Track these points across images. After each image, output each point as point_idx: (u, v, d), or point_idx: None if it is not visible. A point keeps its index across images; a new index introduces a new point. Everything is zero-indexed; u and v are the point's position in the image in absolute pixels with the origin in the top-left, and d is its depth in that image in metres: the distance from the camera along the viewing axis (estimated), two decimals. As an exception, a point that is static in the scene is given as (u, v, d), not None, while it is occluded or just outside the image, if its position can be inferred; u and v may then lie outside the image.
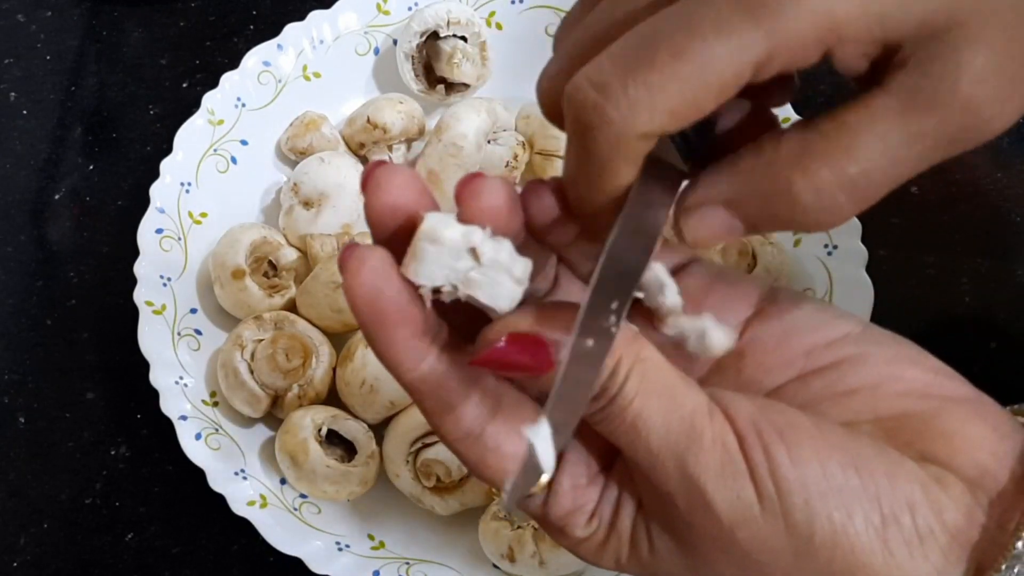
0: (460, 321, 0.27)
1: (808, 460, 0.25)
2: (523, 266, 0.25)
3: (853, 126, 0.24)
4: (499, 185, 0.26)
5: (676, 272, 0.29)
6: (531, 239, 0.27)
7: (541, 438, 0.24)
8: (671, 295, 0.27)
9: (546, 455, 0.24)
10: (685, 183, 0.26)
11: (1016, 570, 0.25)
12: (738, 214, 0.25)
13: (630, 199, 0.25)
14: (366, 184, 0.26)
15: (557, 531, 0.29)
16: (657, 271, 0.27)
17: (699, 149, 0.27)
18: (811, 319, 0.29)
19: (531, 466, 0.24)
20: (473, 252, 0.25)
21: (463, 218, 0.25)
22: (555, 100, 0.26)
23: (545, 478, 0.24)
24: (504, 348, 0.25)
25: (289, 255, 0.56)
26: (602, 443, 0.28)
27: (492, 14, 0.62)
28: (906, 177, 0.24)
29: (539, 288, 0.29)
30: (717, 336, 0.27)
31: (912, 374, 0.28)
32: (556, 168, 0.58)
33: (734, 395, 0.27)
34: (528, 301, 0.26)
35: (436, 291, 0.25)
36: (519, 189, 0.27)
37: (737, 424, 0.26)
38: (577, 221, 0.27)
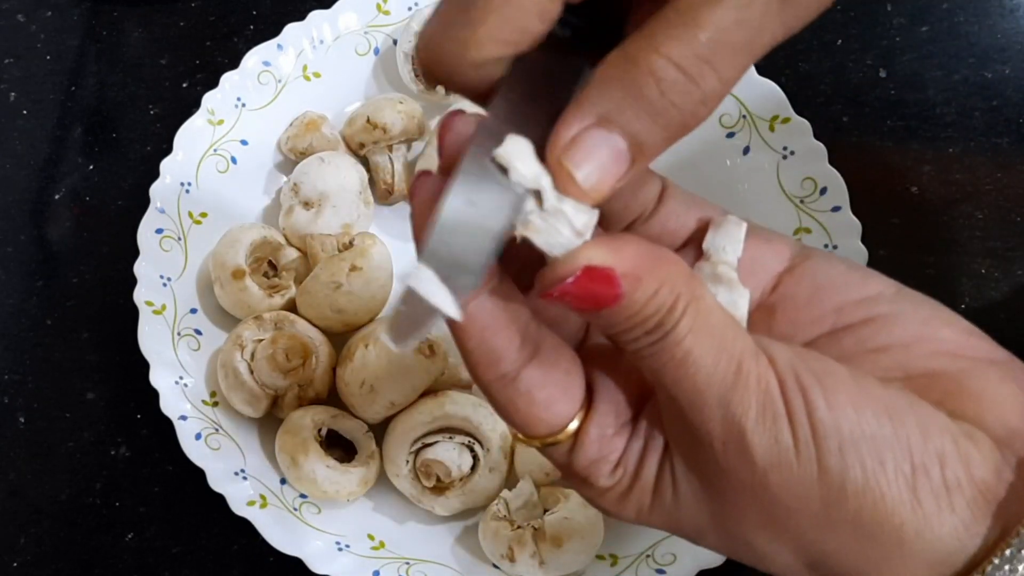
0: (511, 265, 0.27)
1: (844, 406, 0.26)
2: (586, 218, 0.25)
3: (693, 2, 0.24)
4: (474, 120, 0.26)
5: (702, 227, 0.30)
6: None
7: (423, 280, 0.23)
8: (733, 253, 0.28)
9: (437, 296, 0.23)
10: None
11: None
12: (617, 129, 0.24)
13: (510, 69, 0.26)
14: (443, 132, 0.26)
15: (580, 481, 0.29)
16: (737, 228, 0.28)
17: (597, 33, 0.27)
18: (843, 276, 0.29)
19: (415, 305, 0.24)
20: (537, 195, 0.25)
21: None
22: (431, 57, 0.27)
23: (450, 312, 0.24)
24: (578, 281, 0.25)
25: (289, 255, 0.56)
26: (630, 392, 0.28)
27: (492, 14, 0.62)
28: (764, 38, 0.24)
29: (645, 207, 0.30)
30: (742, 310, 0.28)
31: (945, 334, 0.28)
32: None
33: (774, 342, 0.27)
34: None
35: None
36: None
37: (778, 367, 0.26)
38: None
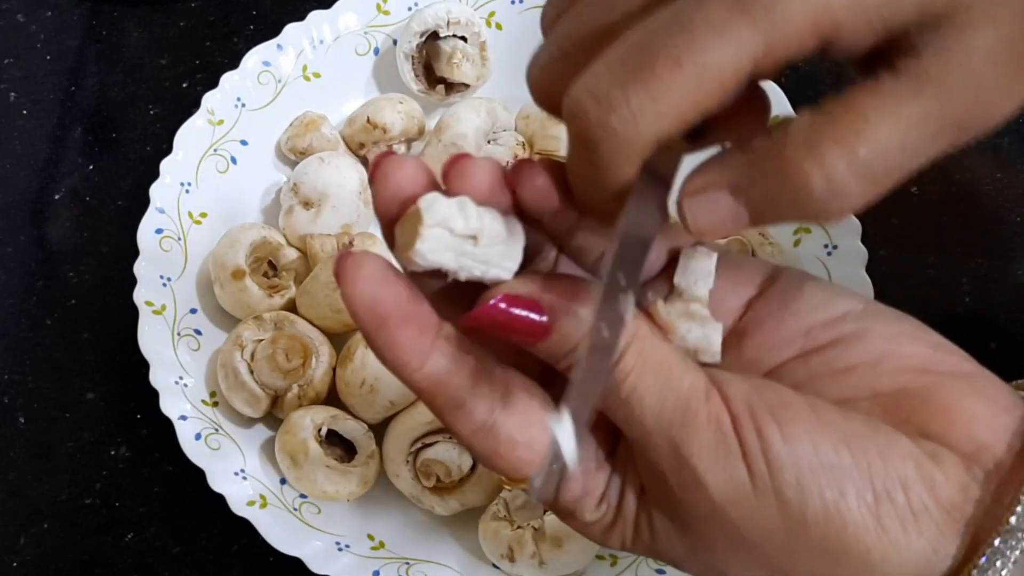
0: (461, 315, 0.27)
1: (800, 439, 0.26)
2: (516, 240, 0.26)
3: (864, 110, 0.24)
4: (486, 164, 0.26)
5: (674, 255, 0.29)
6: (531, 227, 0.28)
7: (564, 430, 0.23)
8: (704, 287, 0.28)
9: (568, 446, 0.23)
10: (687, 167, 0.26)
11: (1010, 543, 0.25)
12: (744, 200, 0.25)
13: (635, 188, 0.25)
14: (374, 175, 0.26)
15: (568, 515, 0.29)
16: (707, 261, 0.28)
17: (696, 126, 0.27)
18: (811, 298, 0.29)
19: (557, 459, 0.24)
20: (470, 234, 0.25)
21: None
22: (547, 89, 0.26)
23: (572, 468, 0.24)
24: (499, 307, 0.25)
25: (289, 255, 0.56)
26: (606, 428, 0.28)
27: (492, 14, 0.62)
28: (916, 163, 0.24)
29: (539, 269, 0.29)
30: (715, 346, 0.28)
31: (911, 350, 0.28)
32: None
33: (731, 375, 0.27)
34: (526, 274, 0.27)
35: (434, 273, 0.25)
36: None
37: (731, 404, 0.26)
38: (575, 208, 0.27)
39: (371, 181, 0.26)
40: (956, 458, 0.26)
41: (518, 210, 0.27)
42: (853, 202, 0.24)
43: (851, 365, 0.28)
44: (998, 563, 0.25)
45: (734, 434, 0.26)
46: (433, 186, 0.26)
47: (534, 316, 0.25)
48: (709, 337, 0.28)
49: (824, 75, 0.62)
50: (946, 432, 0.26)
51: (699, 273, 0.28)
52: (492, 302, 0.25)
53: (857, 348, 0.28)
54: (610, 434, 0.29)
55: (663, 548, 0.28)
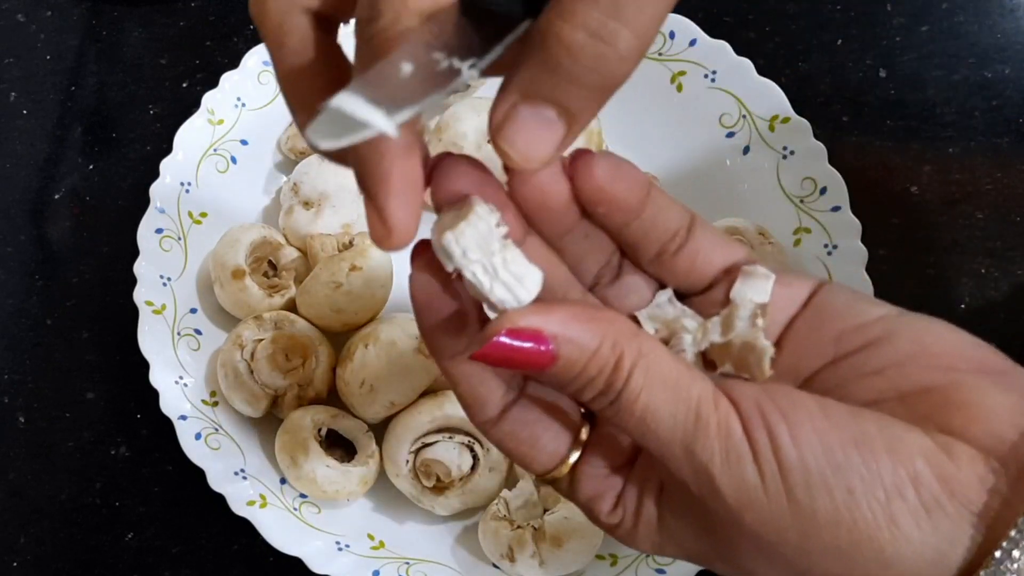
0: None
1: (809, 440, 0.26)
2: (534, 278, 0.27)
3: None
4: (469, 164, 0.28)
5: (729, 271, 0.30)
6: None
7: (346, 101, 0.23)
8: (758, 306, 0.29)
9: (365, 112, 0.23)
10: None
11: None
12: (540, 101, 0.25)
13: None
14: (434, 173, 0.27)
15: (587, 512, 0.30)
16: (764, 281, 0.29)
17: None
18: (843, 306, 0.30)
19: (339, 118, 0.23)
20: (503, 235, 0.26)
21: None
22: None
23: (381, 127, 0.23)
24: (503, 343, 0.26)
25: (289, 255, 0.56)
26: (618, 442, 0.29)
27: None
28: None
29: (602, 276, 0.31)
30: (765, 363, 0.29)
31: (939, 349, 0.28)
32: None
33: (739, 383, 0.28)
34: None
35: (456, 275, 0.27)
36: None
37: (741, 407, 0.26)
38: (576, 209, 0.28)
39: (429, 180, 0.27)
40: (972, 451, 0.26)
41: (579, 202, 0.28)
42: (628, 43, 0.24)
43: (879, 367, 0.28)
44: (1015, 552, 0.25)
45: (744, 438, 0.26)
46: (488, 184, 0.28)
47: (539, 347, 0.26)
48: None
49: (824, 75, 0.62)
50: (965, 427, 0.27)
51: (756, 290, 0.29)
52: (497, 338, 0.26)
53: (885, 350, 0.28)
54: (623, 447, 0.30)
55: (693, 549, 0.29)
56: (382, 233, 0.25)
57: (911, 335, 0.29)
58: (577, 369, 0.26)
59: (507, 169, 0.27)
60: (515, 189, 0.28)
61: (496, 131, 0.26)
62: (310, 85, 0.27)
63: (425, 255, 0.27)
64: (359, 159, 0.26)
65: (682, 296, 0.30)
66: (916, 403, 0.27)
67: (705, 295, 0.30)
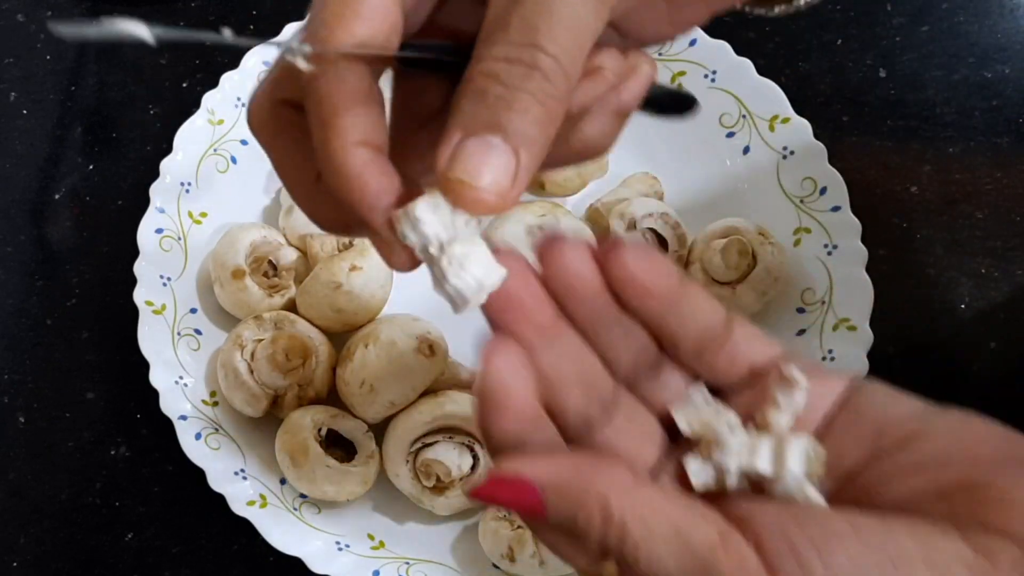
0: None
1: (843, 567, 0.25)
2: (493, 273, 0.27)
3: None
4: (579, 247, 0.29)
5: (761, 370, 0.30)
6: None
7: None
8: (792, 409, 0.29)
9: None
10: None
11: None
12: (482, 129, 0.26)
13: None
14: (543, 257, 0.29)
15: None
16: (799, 395, 0.29)
17: None
18: (880, 403, 0.29)
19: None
20: (449, 242, 0.27)
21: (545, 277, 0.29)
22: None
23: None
24: (490, 489, 0.26)
25: (289, 255, 0.56)
26: None
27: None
28: (595, 26, 0.27)
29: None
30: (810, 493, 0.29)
31: (975, 444, 0.28)
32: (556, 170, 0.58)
33: (760, 506, 0.27)
34: (524, 448, 0.27)
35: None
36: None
37: (764, 538, 0.26)
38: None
39: (540, 259, 0.29)
40: (1014, 550, 0.26)
41: (613, 291, 0.29)
42: (549, 63, 0.26)
43: (919, 464, 0.28)
44: None
45: (765, 572, 0.25)
46: (521, 267, 0.29)
47: (529, 497, 0.26)
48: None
49: (824, 75, 0.62)
50: (1006, 522, 0.26)
51: (792, 406, 0.29)
52: (481, 487, 0.26)
53: (924, 447, 0.28)
54: None
55: None
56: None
57: (948, 431, 0.28)
58: (568, 523, 0.26)
59: (540, 256, 0.28)
60: (547, 275, 0.28)
61: (446, 169, 0.26)
62: (301, 169, 0.31)
63: (506, 353, 0.28)
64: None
65: (714, 390, 0.30)
66: (956, 500, 0.27)
67: (740, 392, 0.30)
